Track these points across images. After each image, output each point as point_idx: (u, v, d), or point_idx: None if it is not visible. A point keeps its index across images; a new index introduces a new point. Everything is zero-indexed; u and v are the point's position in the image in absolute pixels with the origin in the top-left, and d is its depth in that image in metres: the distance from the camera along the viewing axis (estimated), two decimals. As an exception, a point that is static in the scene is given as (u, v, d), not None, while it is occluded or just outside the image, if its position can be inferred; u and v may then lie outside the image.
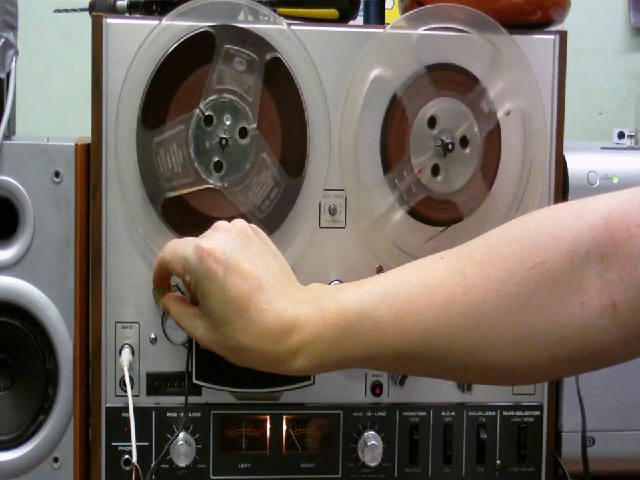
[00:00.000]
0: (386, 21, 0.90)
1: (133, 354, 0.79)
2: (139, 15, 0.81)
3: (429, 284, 0.63)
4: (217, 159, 0.77)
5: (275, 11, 0.80)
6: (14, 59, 0.82)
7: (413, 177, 0.79)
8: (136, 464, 0.77)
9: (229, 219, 0.72)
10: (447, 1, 0.79)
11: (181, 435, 0.79)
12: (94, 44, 0.77)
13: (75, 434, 0.79)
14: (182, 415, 0.80)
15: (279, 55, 0.77)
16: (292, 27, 0.78)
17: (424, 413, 0.83)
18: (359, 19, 0.87)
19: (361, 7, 0.86)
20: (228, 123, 0.76)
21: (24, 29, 0.87)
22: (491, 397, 0.83)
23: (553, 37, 0.82)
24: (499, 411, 0.84)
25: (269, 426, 0.81)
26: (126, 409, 0.78)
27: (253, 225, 0.72)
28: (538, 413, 0.84)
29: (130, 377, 0.78)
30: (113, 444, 0.80)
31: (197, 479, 0.81)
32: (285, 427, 0.81)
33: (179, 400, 0.80)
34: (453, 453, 0.83)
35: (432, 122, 0.79)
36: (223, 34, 0.76)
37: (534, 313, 0.60)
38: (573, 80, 0.95)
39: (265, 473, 0.81)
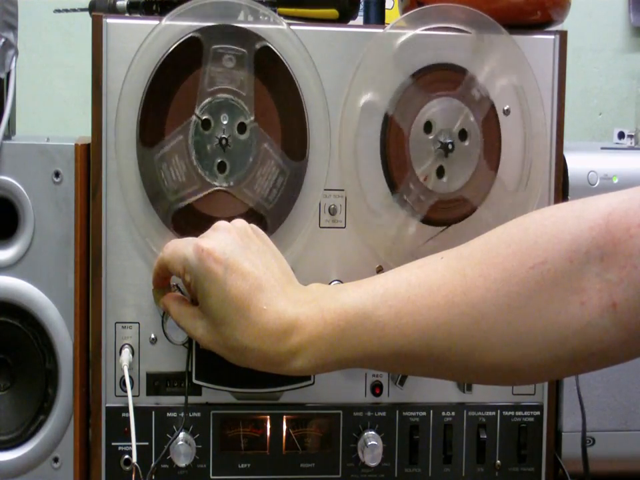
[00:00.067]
0: (386, 21, 0.90)
1: (132, 354, 0.79)
2: (138, 15, 0.81)
3: (429, 284, 0.63)
4: (219, 160, 0.77)
5: (275, 11, 0.80)
6: (14, 59, 0.82)
7: (419, 187, 0.79)
8: (136, 464, 0.77)
9: (230, 219, 0.72)
10: (446, 1, 0.79)
11: (181, 435, 0.79)
12: (94, 44, 0.77)
13: (75, 434, 0.79)
14: (182, 415, 0.80)
15: (267, 44, 0.76)
16: (292, 27, 0.78)
17: (424, 413, 0.83)
18: (359, 19, 0.87)
19: (361, 7, 0.86)
20: (225, 122, 0.76)
21: (24, 29, 0.87)
22: (491, 396, 0.83)
23: (552, 36, 0.82)
24: (498, 411, 0.84)
25: (268, 426, 0.81)
26: (126, 409, 0.78)
27: (253, 225, 0.72)
28: (538, 412, 0.84)
29: (130, 377, 0.78)
30: (113, 444, 0.80)
31: (197, 479, 0.81)
32: (284, 427, 0.81)
33: (179, 400, 0.80)
34: (453, 453, 0.83)
35: (428, 127, 0.79)
36: (208, 36, 0.76)
37: (534, 313, 0.60)
38: (572, 80, 0.95)
39: (265, 473, 0.81)
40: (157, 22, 0.76)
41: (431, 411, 0.83)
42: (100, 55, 0.77)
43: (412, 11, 0.80)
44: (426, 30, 0.79)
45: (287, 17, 0.80)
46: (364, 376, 0.82)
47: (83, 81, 0.90)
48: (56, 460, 0.79)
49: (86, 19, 0.81)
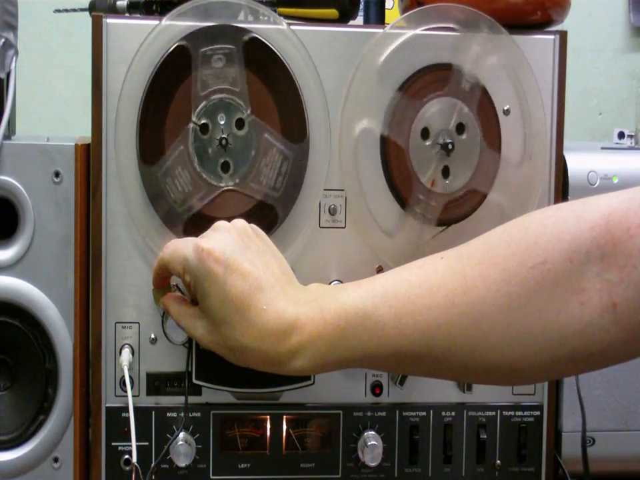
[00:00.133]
0: (386, 21, 0.90)
1: (132, 354, 0.79)
2: (138, 15, 0.82)
3: (429, 284, 0.63)
4: (222, 160, 0.77)
5: (275, 11, 0.80)
6: (14, 59, 0.82)
7: (428, 194, 0.79)
8: (136, 464, 0.76)
9: (239, 216, 0.72)
10: (446, 1, 0.79)
11: (181, 435, 0.79)
12: (94, 44, 0.77)
13: (75, 434, 0.79)
14: (182, 415, 0.80)
15: (254, 35, 0.76)
16: (292, 27, 0.78)
17: (424, 413, 0.83)
18: (359, 19, 0.87)
19: (361, 7, 0.86)
20: (222, 122, 0.76)
21: (24, 29, 0.87)
22: (491, 396, 0.83)
23: (552, 36, 0.82)
24: (498, 411, 0.84)
25: (268, 426, 0.81)
26: (126, 409, 0.78)
27: (253, 225, 0.72)
28: (538, 412, 0.84)
29: (130, 377, 0.78)
30: (113, 444, 0.80)
31: (197, 479, 0.81)
32: (284, 427, 0.81)
33: (179, 400, 0.80)
34: (453, 453, 0.83)
35: (425, 133, 0.79)
36: (194, 41, 0.76)
37: (534, 313, 0.60)
38: (572, 80, 0.95)
39: (265, 473, 0.81)
40: (157, 22, 0.76)
41: (431, 411, 0.83)
42: (100, 55, 0.77)
43: (412, 11, 0.80)
44: (426, 30, 0.79)
45: (287, 16, 0.80)
46: (364, 376, 0.82)
47: (83, 81, 0.90)
48: (56, 460, 0.79)
49: (86, 19, 0.81)
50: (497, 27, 0.79)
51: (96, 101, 0.77)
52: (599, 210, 0.59)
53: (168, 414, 0.80)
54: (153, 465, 0.79)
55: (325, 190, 0.79)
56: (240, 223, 0.71)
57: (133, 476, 0.77)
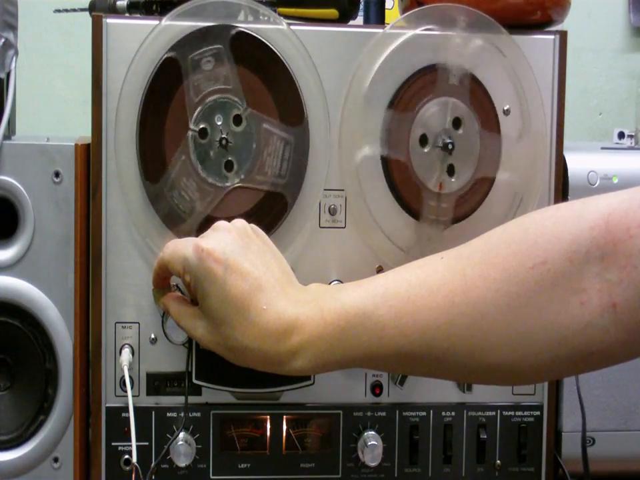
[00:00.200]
0: (386, 21, 0.90)
1: (132, 354, 0.79)
2: (138, 15, 0.82)
3: (429, 284, 0.63)
4: (225, 160, 0.77)
5: (275, 11, 0.80)
6: (14, 59, 0.82)
7: (438, 198, 0.79)
8: (136, 464, 0.76)
9: (240, 216, 0.72)
10: (446, 1, 0.79)
11: (181, 435, 0.79)
12: (94, 44, 0.77)
13: (75, 434, 0.79)
14: (182, 415, 0.80)
15: (239, 28, 0.76)
16: (292, 27, 0.78)
17: (424, 413, 0.83)
18: (359, 19, 0.87)
19: (361, 7, 0.86)
20: (220, 122, 0.76)
21: (24, 29, 0.87)
22: (491, 396, 0.83)
23: (552, 36, 0.82)
24: (499, 411, 0.84)
25: (268, 426, 0.81)
26: (126, 409, 0.78)
27: (252, 225, 0.72)
28: (538, 412, 0.84)
29: (130, 376, 0.78)
30: (113, 444, 0.80)
31: (197, 479, 0.81)
32: (284, 427, 0.81)
33: (179, 400, 0.80)
34: (453, 453, 0.83)
35: (423, 139, 0.79)
36: (182, 49, 0.76)
37: (534, 313, 0.60)
38: (572, 80, 0.95)
39: (265, 472, 0.81)
40: (156, 22, 0.76)
41: (431, 411, 0.83)
42: (100, 55, 0.77)
43: (412, 11, 0.80)
44: (425, 30, 0.79)
45: (287, 16, 0.80)
46: (364, 376, 0.82)
47: (83, 81, 0.90)
48: (56, 460, 0.79)
49: (86, 19, 0.81)
50: (496, 27, 0.79)
51: (96, 101, 0.77)
52: (599, 210, 0.59)
53: (168, 414, 0.80)
54: (153, 464, 0.79)
55: (324, 190, 0.80)
56: (240, 223, 0.71)
57: (133, 476, 0.77)
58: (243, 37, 0.76)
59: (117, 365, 0.79)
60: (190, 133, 0.76)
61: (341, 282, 0.79)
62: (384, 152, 0.79)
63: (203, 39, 0.76)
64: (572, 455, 0.84)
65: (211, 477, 0.81)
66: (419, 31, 0.79)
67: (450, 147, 0.78)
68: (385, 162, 0.79)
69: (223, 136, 0.76)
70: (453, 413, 0.83)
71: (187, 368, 0.78)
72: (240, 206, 0.77)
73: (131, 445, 0.77)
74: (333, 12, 0.81)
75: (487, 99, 0.80)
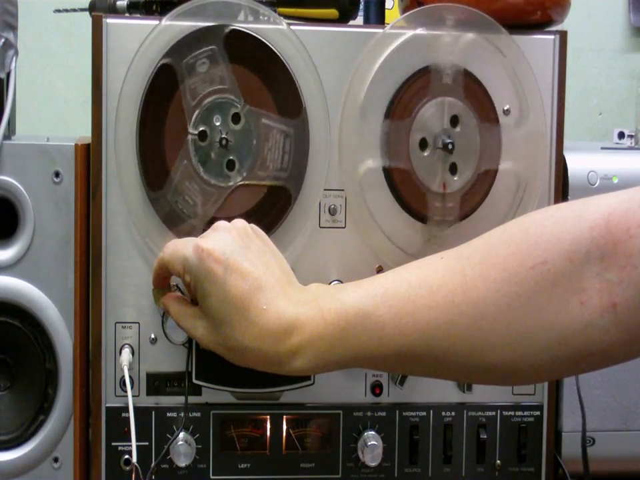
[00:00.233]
0: (386, 21, 0.90)
1: (132, 354, 0.79)
2: (138, 15, 0.81)
3: (429, 284, 0.63)
4: (226, 160, 0.77)
5: (275, 11, 0.80)
6: (14, 59, 0.82)
7: (443, 199, 0.79)
8: (136, 464, 0.76)
9: (244, 213, 0.72)
10: (446, 1, 0.79)
11: (181, 435, 0.79)
12: (94, 44, 0.77)
13: (74, 434, 0.79)
14: (182, 415, 0.80)
15: (232, 27, 0.76)
16: (292, 27, 0.78)
17: (424, 413, 0.83)
18: (359, 19, 0.87)
19: (361, 7, 0.86)
20: (218, 123, 0.76)
21: (24, 29, 0.87)
22: (491, 396, 0.83)
23: (552, 37, 0.82)
24: (498, 411, 0.84)
25: (268, 426, 0.81)
26: (126, 409, 0.78)
27: (253, 225, 0.72)
28: (538, 412, 0.84)
29: (130, 377, 0.78)
30: (113, 444, 0.80)
31: (197, 479, 0.81)
32: (284, 427, 0.81)
33: (179, 400, 0.80)
34: (453, 453, 0.83)
35: (423, 143, 0.79)
36: (176, 55, 0.75)
37: (534, 313, 0.60)
38: (572, 80, 0.95)
39: (265, 472, 0.81)
40: (156, 22, 0.76)
41: (431, 411, 0.83)
42: (100, 55, 0.77)
43: (412, 11, 0.80)
44: (425, 30, 0.79)
45: (287, 16, 0.80)
46: (364, 376, 0.82)
47: (83, 81, 0.90)
48: (56, 460, 0.79)
49: (86, 19, 0.81)
50: (496, 27, 0.79)
51: (96, 101, 0.77)
52: (599, 210, 0.59)
53: (168, 414, 0.80)
54: (153, 464, 0.79)
55: (324, 190, 0.80)
56: (240, 223, 0.71)
57: (133, 476, 0.77)
58: (237, 35, 0.76)
59: (117, 365, 0.79)
60: (190, 137, 0.76)
61: (341, 282, 0.79)
62: (385, 163, 0.79)
63: (197, 42, 0.76)
64: (572, 455, 0.84)
65: (211, 477, 0.81)
66: (419, 31, 0.79)
67: (450, 147, 0.78)
68: (387, 172, 0.79)
69: (223, 136, 0.76)
70: (453, 413, 0.83)
71: (187, 368, 0.78)
72: (244, 203, 0.77)
73: (130, 445, 0.77)
74: (332, 12, 0.81)
75: (481, 89, 0.80)
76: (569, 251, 0.59)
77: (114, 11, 0.82)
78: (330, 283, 0.79)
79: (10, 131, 0.81)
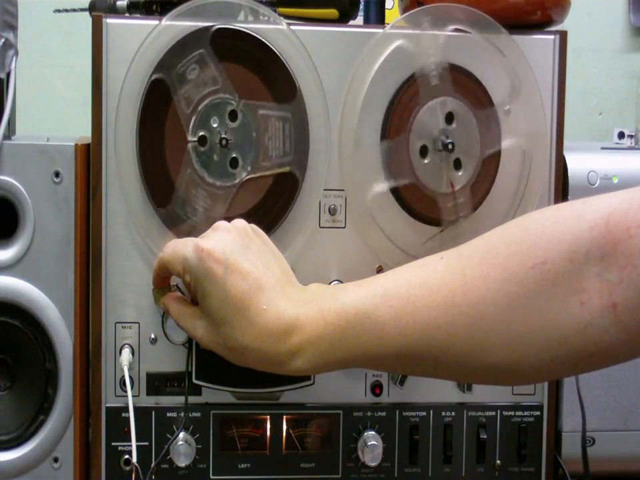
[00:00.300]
0: (386, 21, 0.90)
1: (132, 354, 0.79)
2: (138, 15, 0.81)
3: (429, 284, 0.63)
4: (229, 159, 0.76)
5: (275, 11, 0.80)
6: (14, 59, 0.82)
7: (452, 197, 0.79)
8: (136, 464, 0.77)
9: (252, 208, 0.72)
10: (446, 1, 0.79)
11: (181, 435, 0.79)
12: (94, 44, 0.77)
13: (75, 434, 0.79)
14: (182, 415, 0.80)
15: (217, 25, 0.76)
16: (292, 27, 0.78)
17: (424, 413, 0.83)
18: (359, 19, 0.87)
19: (361, 7, 0.86)
20: (216, 124, 0.76)
21: (24, 29, 0.87)
22: (490, 396, 0.83)
23: (552, 36, 0.82)
24: (498, 411, 0.84)
25: (268, 426, 0.81)
26: (126, 409, 0.78)
27: (253, 225, 0.72)
28: (538, 412, 0.84)
29: (130, 376, 0.78)
30: (113, 444, 0.80)
31: (197, 479, 0.81)
32: (284, 427, 0.81)
33: (179, 400, 0.80)
34: (452, 453, 0.83)
35: (423, 150, 0.79)
36: (166, 67, 0.75)
37: (534, 313, 0.60)
38: (573, 80, 0.95)
39: (265, 473, 0.81)
40: (156, 22, 0.76)
41: (431, 411, 0.83)
42: (100, 55, 0.77)
43: (412, 11, 0.80)
44: (405, 39, 0.79)
45: (287, 16, 0.80)
46: (364, 376, 0.82)
47: (83, 81, 0.90)
48: (56, 460, 0.79)
49: (86, 19, 0.81)
50: (496, 27, 0.79)
51: (96, 101, 0.77)
52: (599, 210, 0.59)
53: (168, 414, 0.80)
54: (153, 464, 0.79)
55: (324, 190, 0.80)
56: (240, 222, 0.71)
57: (133, 476, 0.77)
58: (220, 33, 0.76)
59: (117, 365, 0.79)
60: (190, 144, 0.76)
61: (341, 282, 0.79)
62: (392, 184, 0.79)
63: (184, 49, 0.75)
64: (572, 455, 0.84)
65: (211, 477, 0.81)
66: (418, 31, 0.79)
67: (450, 147, 0.78)
68: (396, 192, 0.79)
69: (223, 136, 0.76)
70: (453, 413, 0.83)
71: (187, 368, 0.78)
72: (252, 197, 0.77)
73: (130, 445, 0.77)
74: (332, 12, 0.81)
75: (468, 77, 0.79)
76: (569, 251, 0.59)
77: (114, 10, 0.82)
78: (330, 283, 0.79)
79: (10, 130, 0.81)
